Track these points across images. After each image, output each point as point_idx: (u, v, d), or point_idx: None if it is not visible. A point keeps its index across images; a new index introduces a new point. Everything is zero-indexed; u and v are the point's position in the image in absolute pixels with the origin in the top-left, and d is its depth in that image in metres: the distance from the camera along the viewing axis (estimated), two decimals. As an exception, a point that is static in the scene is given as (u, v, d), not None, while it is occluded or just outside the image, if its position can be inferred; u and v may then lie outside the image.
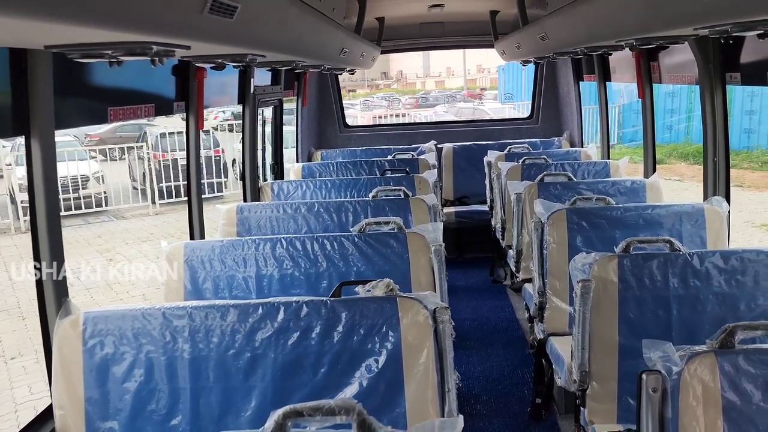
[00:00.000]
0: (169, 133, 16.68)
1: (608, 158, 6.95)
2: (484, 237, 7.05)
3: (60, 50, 1.81)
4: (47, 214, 2.60)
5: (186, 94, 4.09)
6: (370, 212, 4.36)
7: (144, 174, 16.32)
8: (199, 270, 3.50)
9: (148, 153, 16.34)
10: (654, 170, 5.69)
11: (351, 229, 3.78)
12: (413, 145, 7.86)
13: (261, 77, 5.75)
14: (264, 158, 6.58)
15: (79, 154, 15.61)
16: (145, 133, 17.36)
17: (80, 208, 14.88)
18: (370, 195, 4.77)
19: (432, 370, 2.47)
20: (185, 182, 4.39)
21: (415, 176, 5.55)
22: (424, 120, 22.80)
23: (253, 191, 5.55)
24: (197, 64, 3.86)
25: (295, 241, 3.57)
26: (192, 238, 4.43)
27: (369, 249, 3.54)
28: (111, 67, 2.01)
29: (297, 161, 7.48)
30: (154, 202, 15.79)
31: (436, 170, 6.28)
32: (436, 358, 2.48)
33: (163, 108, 3.87)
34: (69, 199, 14.34)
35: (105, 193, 15.74)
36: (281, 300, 2.59)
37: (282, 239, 3.57)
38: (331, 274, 3.50)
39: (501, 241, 6.11)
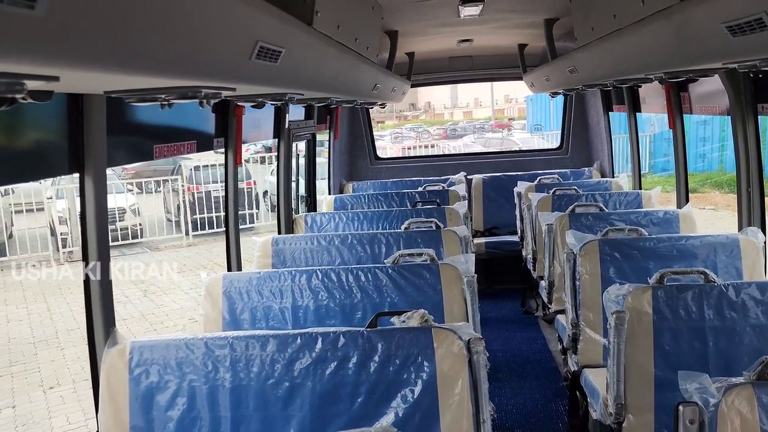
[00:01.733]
0: (203, 166, 17.04)
1: (640, 188, 6.92)
2: (515, 268, 7.04)
3: (118, 95, 1.94)
4: (98, 243, 2.74)
5: (225, 130, 4.24)
6: (403, 244, 4.42)
7: (178, 206, 16.66)
8: (237, 301, 3.58)
9: (182, 185, 16.71)
10: (687, 200, 5.65)
11: (384, 261, 3.85)
12: (443, 177, 7.93)
13: (295, 112, 5.91)
14: (297, 191, 6.71)
15: (116, 187, 16.05)
16: (180, 166, 17.76)
17: (117, 240, 15.22)
18: (403, 227, 4.83)
19: (467, 401, 2.50)
20: (218, 214, 4.52)
21: (446, 208, 5.61)
22: (452, 150, 22.94)
23: (287, 223, 5.66)
24: (238, 103, 4.01)
25: (330, 272, 3.64)
26: (229, 269, 4.53)
27: (402, 280, 3.60)
28: (162, 109, 2.14)
29: (329, 193, 7.60)
30: (187, 234, 16.09)
31: (466, 202, 6.33)
32: (471, 389, 2.51)
33: (204, 144, 4.02)
34: (107, 231, 14.69)
35: (140, 225, 16.08)
36: (319, 330, 2.65)
37: (317, 271, 3.65)
38: (365, 305, 3.56)
39: (532, 271, 6.10)
